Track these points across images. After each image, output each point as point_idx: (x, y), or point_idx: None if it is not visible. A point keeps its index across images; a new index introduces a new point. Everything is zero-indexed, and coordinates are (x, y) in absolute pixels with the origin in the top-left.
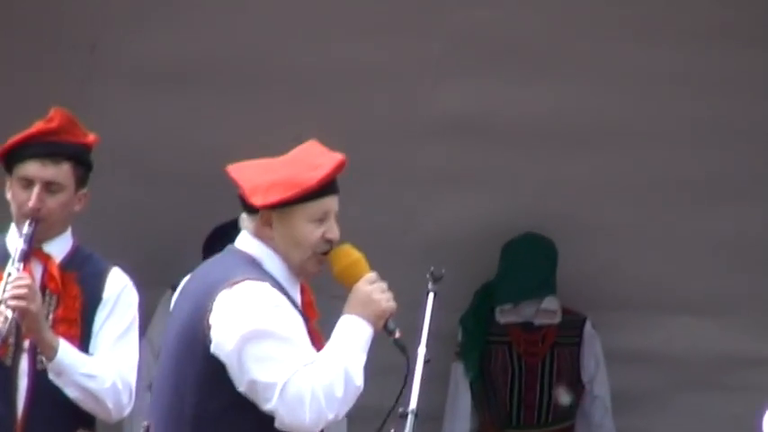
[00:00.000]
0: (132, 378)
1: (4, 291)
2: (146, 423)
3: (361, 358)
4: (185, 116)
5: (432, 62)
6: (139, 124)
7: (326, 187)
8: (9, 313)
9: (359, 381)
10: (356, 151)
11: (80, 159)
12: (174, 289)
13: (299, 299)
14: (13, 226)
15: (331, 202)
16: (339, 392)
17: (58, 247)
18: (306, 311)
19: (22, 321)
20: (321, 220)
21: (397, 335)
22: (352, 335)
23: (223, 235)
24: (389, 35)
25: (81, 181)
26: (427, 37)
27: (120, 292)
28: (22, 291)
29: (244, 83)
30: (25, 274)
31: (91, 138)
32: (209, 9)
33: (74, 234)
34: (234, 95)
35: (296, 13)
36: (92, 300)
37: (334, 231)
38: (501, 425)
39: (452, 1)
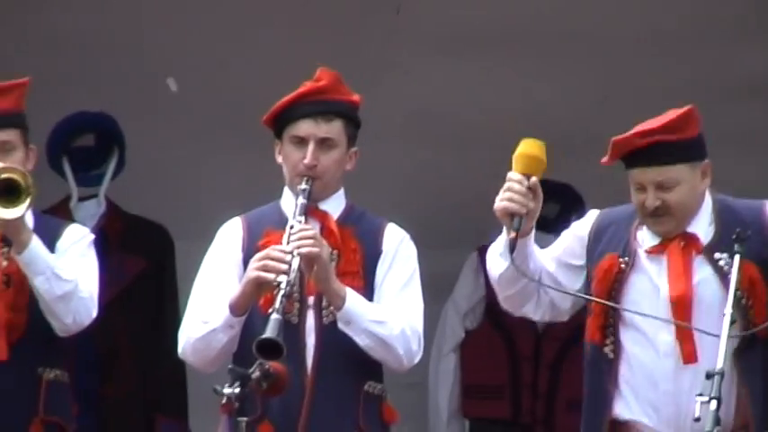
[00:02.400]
0: (420, 325)
1: (288, 242)
2: None
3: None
4: (488, 80)
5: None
6: (442, 87)
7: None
8: (295, 263)
9: None
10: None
11: (350, 117)
12: (480, 251)
13: None
14: (285, 190)
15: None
16: None
17: (334, 205)
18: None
19: (310, 270)
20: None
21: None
22: None
23: None
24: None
25: (351, 139)
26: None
27: (398, 245)
28: (310, 239)
29: (545, 47)
30: (309, 225)
31: (356, 97)
32: None
33: (363, 194)
34: (536, 60)
35: None
36: (371, 253)
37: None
38: None
39: None
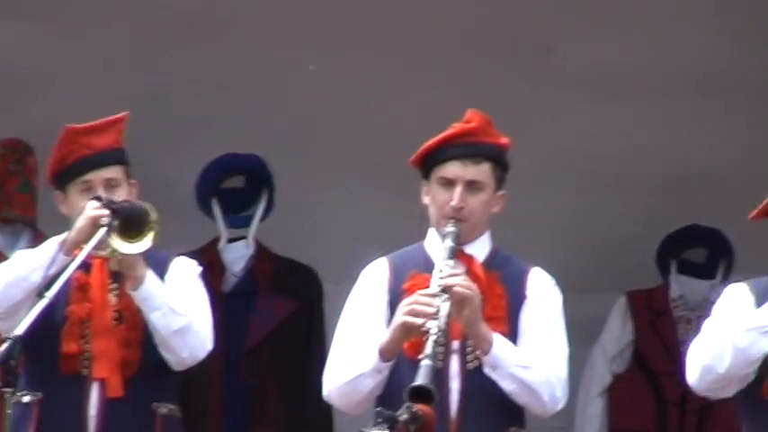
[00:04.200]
0: (564, 372)
1: (437, 285)
2: None
3: None
4: (639, 123)
5: None
6: (592, 130)
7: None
8: (445, 308)
9: None
10: None
11: (499, 160)
12: (629, 296)
13: None
14: (430, 231)
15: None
16: None
17: (480, 248)
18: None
19: (460, 313)
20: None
21: None
22: None
23: (676, 242)
24: None
25: (499, 181)
26: None
27: (543, 290)
28: (462, 280)
29: (697, 90)
30: (459, 268)
31: (505, 139)
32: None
33: (504, 236)
34: (687, 103)
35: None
36: (516, 298)
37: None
38: None
39: None
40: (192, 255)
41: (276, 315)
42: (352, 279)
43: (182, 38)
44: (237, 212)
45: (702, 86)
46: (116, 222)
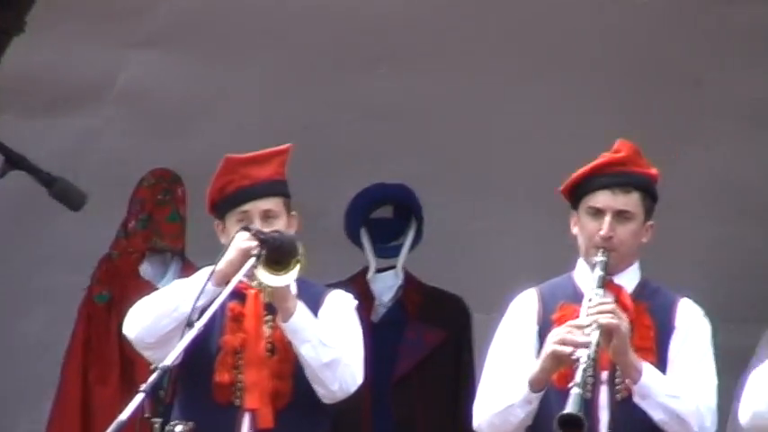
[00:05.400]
0: (714, 402)
1: (587, 315)
2: None
3: None
4: None
5: None
6: (744, 159)
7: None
8: (595, 337)
9: None
10: None
11: (648, 190)
12: None
13: None
14: (580, 261)
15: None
16: None
17: (629, 279)
18: None
19: (609, 343)
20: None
21: None
22: None
23: None
24: None
25: (648, 211)
26: None
27: (692, 322)
28: (610, 311)
29: None
30: (609, 297)
31: (654, 170)
32: None
33: (655, 267)
34: None
35: None
36: (664, 329)
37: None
38: None
39: None
40: (340, 285)
41: (425, 345)
42: (501, 308)
43: (335, 68)
44: (386, 242)
45: None
46: (263, 254)
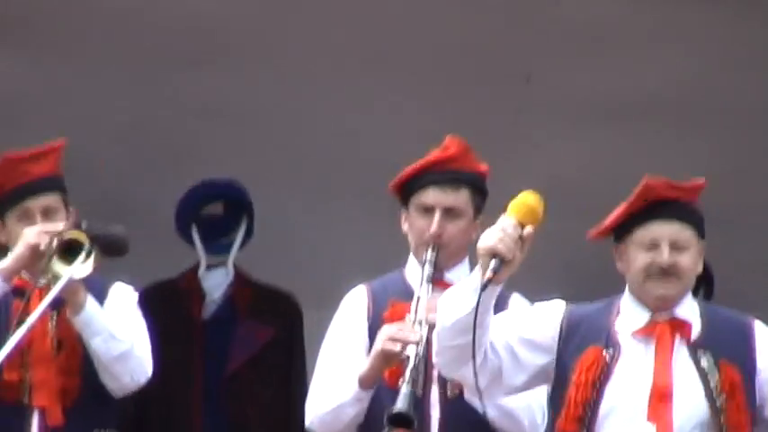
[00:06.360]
0: (544, 399)
1: (416, 312)
2: None
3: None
4: (618, 149)
5: None
6: (573, 157)
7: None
8: (425, 334)
9: None
10: None
11: (477, 186)
12: None
13: None
14: (410, 258)
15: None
16: None
17: (459, 276)
18: None
19: None
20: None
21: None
22: None
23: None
24: None
25: (478, 208)
26: None
27: None
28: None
29: (672, 120)
30: (438, 294)
31: (484, 167)
32: (641, 46)
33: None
34: (667, 129)
35: (732, 50)
36: None
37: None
38: None
39: None
40: (172, 281)
41: (255, 342)
42: (333, 305)
43: (166, 65)
44: (217, 239)
45: (678, 113)
46: (56, 247)
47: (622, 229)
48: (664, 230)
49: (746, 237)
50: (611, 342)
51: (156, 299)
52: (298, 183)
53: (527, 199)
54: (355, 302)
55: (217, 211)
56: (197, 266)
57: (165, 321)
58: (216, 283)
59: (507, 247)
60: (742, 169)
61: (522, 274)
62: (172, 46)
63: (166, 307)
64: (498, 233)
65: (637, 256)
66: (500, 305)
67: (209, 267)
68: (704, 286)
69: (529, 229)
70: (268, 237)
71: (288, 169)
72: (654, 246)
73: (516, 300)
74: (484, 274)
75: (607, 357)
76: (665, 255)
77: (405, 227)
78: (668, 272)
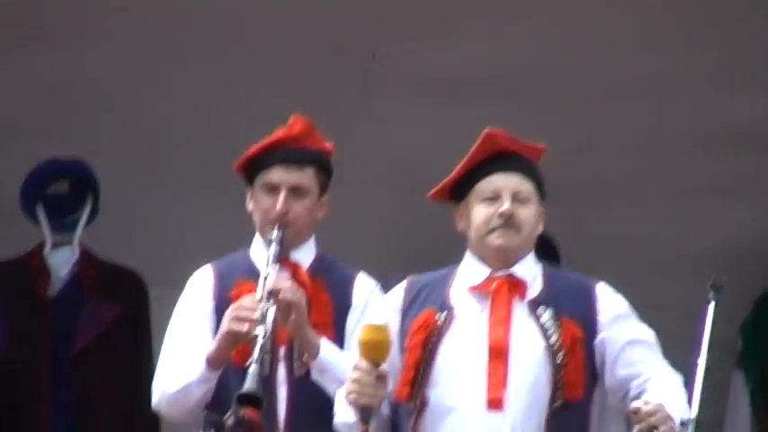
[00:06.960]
0: None
1: (263, 291)
2: None
3: None
4: (466, 126)
5: (706, 75)
6: (420, 134)
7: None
8: (271, 313)
9: None
10: (632, 163)
11: (322, 164)
12: None
13: None
14: (256, 238)
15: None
16: None
17: (305, 254)
18: None
19: (287, 319)
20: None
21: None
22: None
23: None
24: (666, 47)
25: (323, 187)
26: (703, 49)
27: (368, 296)
28: (288, 284)
29: (521, 96)
30: (285, 273)
31: (329, 145)
32: (489, 22)
33: (330, 241)
34: (514, 106)
35: (578, 26)
36: (341, 305)
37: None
38: None
39: (727, 13)
40: (17, 260)
41: (102, 320)
42: (179, 285)
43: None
44: (62, 217)
45: (526, 90)
46: None
47: (464, 186)
48: (506, 181)
49: (596, 212)
50: (445, 305)
51: (1, 277)
52: (144, 161)
53: (371, 336)
54: (201, 282)
55: (62, 190)
56: (43, 245)
57: (11, 300)
58: (62, 261)
59: (370, 396)
60: (592, 145)
61: (366, 252)
62: (9, 22)
63: (12, 285)
64: (355, 386)
65: (479, 210)
66: (345, 286)
67: (55, 246)
68: (548, 259)
69: (384, 367)
70: (114, 215)
71: (133, 148)
72: (496, 197)
73: (362, 280)
74: (359, 425)
75: (440, 319)
76: (506, 203)
77: (250, 206)
78: (509, 222)
